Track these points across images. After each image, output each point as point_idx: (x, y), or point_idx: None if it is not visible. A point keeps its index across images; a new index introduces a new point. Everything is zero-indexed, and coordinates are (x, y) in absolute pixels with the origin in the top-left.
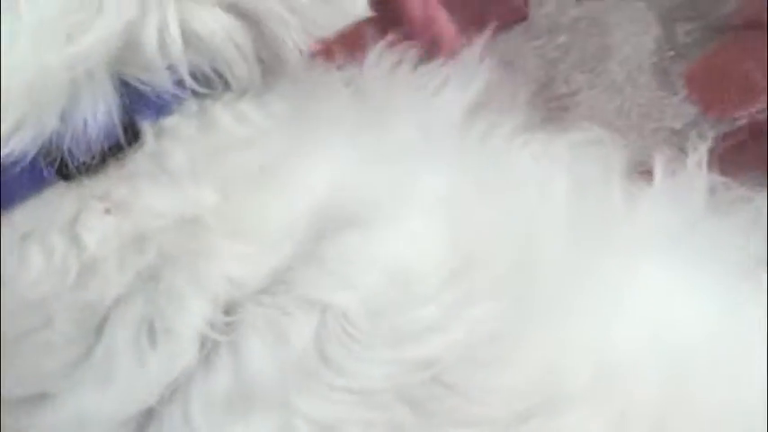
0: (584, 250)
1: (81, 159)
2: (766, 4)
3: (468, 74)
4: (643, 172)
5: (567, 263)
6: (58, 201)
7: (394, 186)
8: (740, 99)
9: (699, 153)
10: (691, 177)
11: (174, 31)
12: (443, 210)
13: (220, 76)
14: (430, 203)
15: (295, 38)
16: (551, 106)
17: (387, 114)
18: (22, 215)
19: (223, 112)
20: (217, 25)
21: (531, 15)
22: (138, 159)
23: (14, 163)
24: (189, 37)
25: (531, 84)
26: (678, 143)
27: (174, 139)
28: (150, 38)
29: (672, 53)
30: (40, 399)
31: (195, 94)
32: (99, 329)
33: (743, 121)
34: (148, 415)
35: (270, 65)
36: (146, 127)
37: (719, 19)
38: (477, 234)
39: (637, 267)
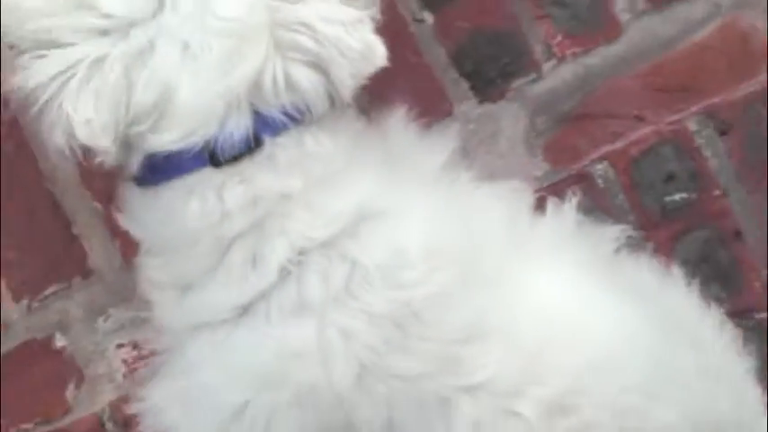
0: (506, 250)
1: (227, 153)
2: (592, 102)
3: (443, 143)
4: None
5: (496, 257)
6: (217, 177)
7: (399, 202)
8: (573, 159)
9: (572, 202)
10: (567, 213)
11: (280, 78)
12: (426, 221)
13: (308, 110)
14: (419, 217)
15: (349, 82)
16: (466, 163)
17: (401, 160)
18: (191, 182)
19: (310, 137)
20: (305, 77)
21: (454, 112)
22: (260, 158)
23: (188, 150)
24: (289, 82)
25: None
26: (539, 183)
27: (282, 149)
28: (268, 80)
29: (534, 134)
30: (187, 287)
31: (295, 122)
32: (225, 251)
33: (574, 171)
34: (244, 309)
35: (335, 102)
36: (267, 140)
37: (562, 114)
38: (443, 237)
39: (534, 263)
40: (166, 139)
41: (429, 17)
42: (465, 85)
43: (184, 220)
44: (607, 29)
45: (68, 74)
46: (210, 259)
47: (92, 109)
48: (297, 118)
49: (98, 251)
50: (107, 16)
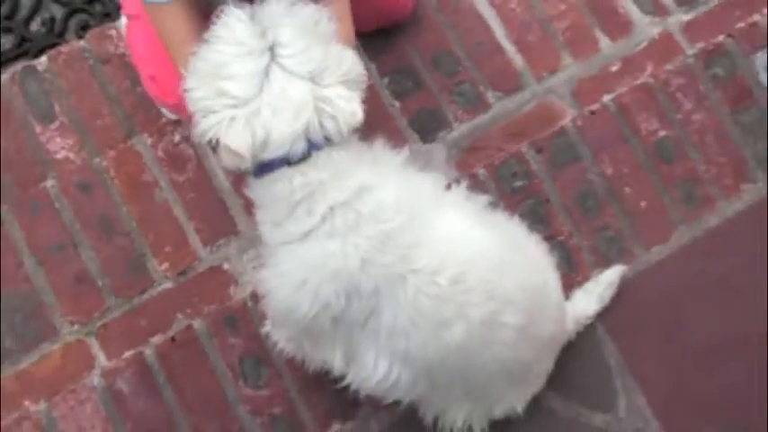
0: (432, 204)
1: (294, 160)
2: (478, 142)
3: (401, 152)
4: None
5: (426, 207)
6: (290, 171)
7: (381, 181)
8: (469, 168)
9: (464, 185)
10: (461, 189)
11: (317, 124)
12: (394, 190)
13: (332, 138)
14: (391, 188)
15: (344, 128)
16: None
17: (381, 159)
18: (277, 174)
19: (335, 150)
20: (328, 124)
21: (411, 149)
22: (310, 162)
23: (277, 159)
24: (322, 127)
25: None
26: (454, 181)
27: (320, 158)
28: (312, 125)
29: (450, 158)
30: (276, 223)
31: (327, 143)
32: (295, 207)
33: (470, 174)
34: (305, 234)
35: (347, 133)
36: (313, 153)
37: (463, 148)
38: (402, 197)
39: (445, 210)
40: (267, 155)
41: (397, 104)
42: (416, 135)
43: (275, 193)
44: (483, 106)
45: (219, 126)
46: (288, 211)
47: (237, 144)
48: (328, 141)
49: (243, 222)
50: (234, 98)
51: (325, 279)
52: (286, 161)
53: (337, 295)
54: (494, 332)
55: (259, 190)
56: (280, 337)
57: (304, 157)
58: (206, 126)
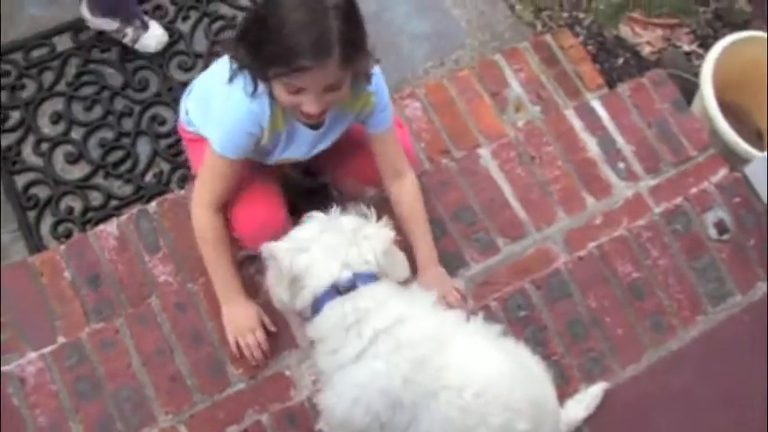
0: (453, 331)
1: (342, 289)
2: (489, 277)
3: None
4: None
5: (450, 334)
6: (340, 300)
7: (416, 315)
8: (483, 299)
9: (480, 315)
10: (479, 319)
11: (356, 253)
12: (426, 320)
13: (373, 273)
14: (423, 320)
15: (379, 250)
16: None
17: (416, 299)
18: (331, 305)
19: (376, 285)
20: (366, 247)
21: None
22: (357, 293)
23: (327, 291)
24: (362, 253)
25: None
26: (471, 309)
27: (365, 291)
28: (353, 252)
29: (470, 291)
30: (331, 354)
31: (371, 280)
32: (346, 333)
33: (482, 305)
34: (357, 357)
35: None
36: (360, 287)
37: (479, 283)
38: (432, 327)
39: (464, 336)
40: (319, 284)
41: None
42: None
43: (330, 321)
44: (494, 250)
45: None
46: (342, 336)
47: (277, 248)
48: (371, 278)
49: (301, 338)
50: (302, 240)
51: (374, 396)
52: (336, 290)
53: (384, 408)
54: None
55: (317, 323)
56: None
57: (351, 288)
58: (280, 260)
